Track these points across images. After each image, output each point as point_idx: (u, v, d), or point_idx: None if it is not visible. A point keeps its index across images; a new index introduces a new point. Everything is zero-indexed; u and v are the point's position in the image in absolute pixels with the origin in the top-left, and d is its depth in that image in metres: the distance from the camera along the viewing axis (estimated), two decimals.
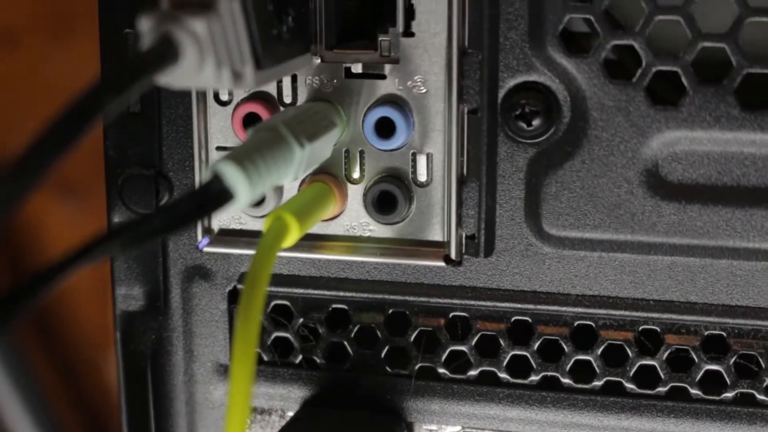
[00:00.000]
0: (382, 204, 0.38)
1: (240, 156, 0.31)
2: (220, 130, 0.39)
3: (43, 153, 0.26)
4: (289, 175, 0.34)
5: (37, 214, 0.77)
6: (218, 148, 0.39)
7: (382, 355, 0.41)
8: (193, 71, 0.30)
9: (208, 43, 0.30)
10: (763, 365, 0.38)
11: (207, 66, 0.30)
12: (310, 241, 0.39)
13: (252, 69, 0.32)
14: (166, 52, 0.29)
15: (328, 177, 0.39)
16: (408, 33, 0.37)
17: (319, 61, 0.37)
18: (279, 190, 0.39)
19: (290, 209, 0.35)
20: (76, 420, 0.83)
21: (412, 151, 0.38)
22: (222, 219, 0.40)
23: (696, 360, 0.38)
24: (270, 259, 0.33)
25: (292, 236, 0.35)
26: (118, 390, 0.43)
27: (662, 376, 0.38)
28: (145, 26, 0.30)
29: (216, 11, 0.30)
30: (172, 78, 0.30)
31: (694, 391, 0.38)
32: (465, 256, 0.38)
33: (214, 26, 0.30)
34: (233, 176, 0.30)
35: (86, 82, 0.27)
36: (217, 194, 0.30)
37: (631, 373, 0.39)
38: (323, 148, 0.36)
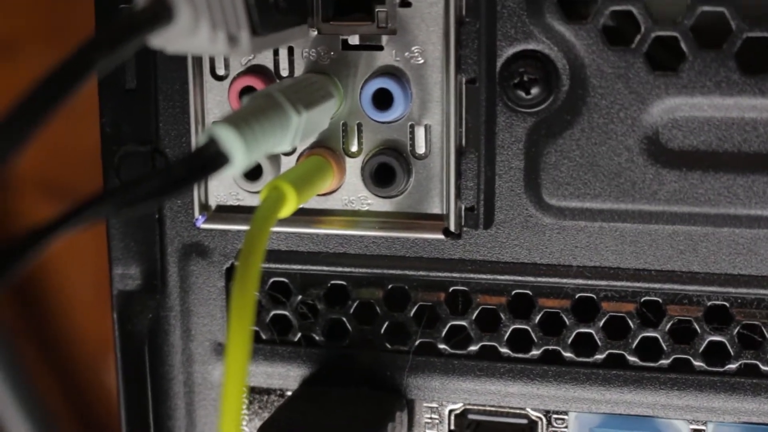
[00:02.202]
0: (380, 177, 0.38)
1: (236, 119, 0.31)
2: (217, 104, 0.39)
3: (32, 109, 0.25)
4: (286, 142, 0.33)
5: (26, 215, 0.76)
6: None
7: (382, 331, 0.40)
8: (187, 33, 0.30)
9: (203, 4, 0.30)
10: (767, 335, 0.37)
11: (202, 28, 0.30)
12: (308, 216, 0.39)
13: (248, 34, 0.32)
14: (160, 12, 0.29)
15: (326, 150, 0.38)
16: (405, 3, 0.37)
17: (316, 33, 0.37)
18: (276, 165, 0.39)
19: (287, 179, 0.35)
20: (76, 428, 0.82)
21: (410, 123, 0.37)
22: (219, 195, 0.40)
23: (699, 331, 0.38)
24: (266, 228, 0.33)
25: (289, 206, 0.34)
26: (116, 372, 0.43)
27: (665, 348, 0.38)
28: None
29: None
30: (167, 40, 0.30)
31: (697, 363, 0.38)
32: (464, 229, 0.38)
33: None
34: (229, 139, 0.30)
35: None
36: (213, 157, 0.30)
37: (634, 346, 0.38)
38: (320, 118, 0.36)
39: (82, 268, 0.77)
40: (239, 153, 0.30)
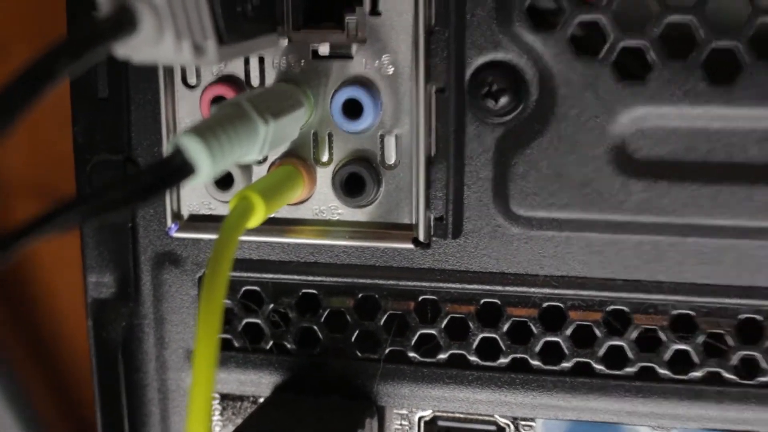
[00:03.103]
0: (351, 187, 0.38)
1: (202, 129, 0.31)
2: (189, 113, 0.39)
3: None
4: (253, 151, 0.33)
5: (9, 217, 0.76)
6: None
7: (353, 339, 0.40)
8: (152, 42, 0.30)
9: (167, 13, 0.30)
10: (731, 344, 0.37)
11: (166, 37, 0.30)
12: (280, 226, 0.39)
13: (214, 43, 0.32)
14: (123, 21, 0.29)
15: (297, 160, 0.38)
16: (375, 12, 0.37)
17: (286, 42, 0.37)
18: (248, 174, 0.39)
19: (256, 189, 0.35)
20: (63, 424, 0.82)
21: (380, 133, 0.38)
22: (192, 204, 0.40)
23: (664, 339, 0.38)
24: (234, 237, 0.33)
25: (258, 216, 0.34)
26: (91, 379, 0.43)
27: (631, 357, 0.38)
28: None
29: None
30: (132, 49, 0.30)
31: (662, 371, 0.38)
32: (433, 238, 0.38)
33: None
34: (195, 149, 0.30)
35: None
36: (179, 167, 0.30)
37: (600, 354, 0.38)
38: (289, 128, 0.36)
39: (71, 268, 0.77)
40: (205, 162, 0.30)
